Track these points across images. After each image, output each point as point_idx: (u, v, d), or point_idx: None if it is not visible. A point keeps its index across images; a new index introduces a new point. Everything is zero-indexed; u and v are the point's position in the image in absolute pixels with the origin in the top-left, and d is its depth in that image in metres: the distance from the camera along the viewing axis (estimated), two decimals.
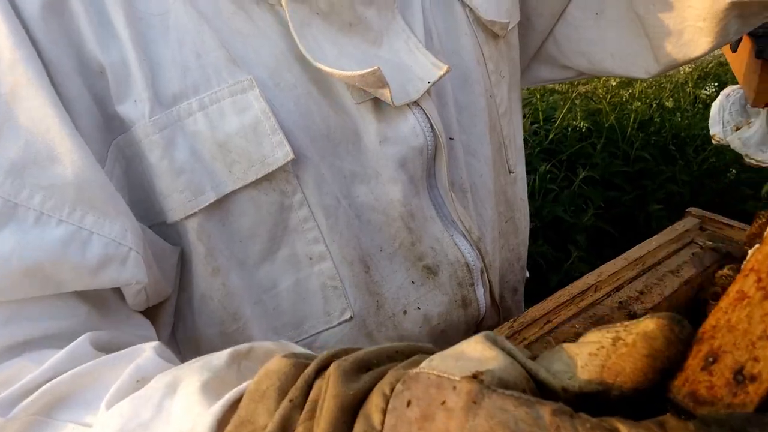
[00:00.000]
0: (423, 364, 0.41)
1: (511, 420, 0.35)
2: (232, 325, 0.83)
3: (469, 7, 0.99)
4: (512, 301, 1.12)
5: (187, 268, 0.81)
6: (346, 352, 0.47)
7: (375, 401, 0.39)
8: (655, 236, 1.13)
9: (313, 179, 0.83)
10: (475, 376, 0.38)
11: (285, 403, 0.43)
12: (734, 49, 1.69)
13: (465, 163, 0.99)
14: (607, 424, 0.35)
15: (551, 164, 3.97)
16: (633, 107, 4.64)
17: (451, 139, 0.96)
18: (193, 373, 0.52)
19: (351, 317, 0.89)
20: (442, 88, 0.94)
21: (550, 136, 4.24)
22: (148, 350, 0.62)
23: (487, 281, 1.02)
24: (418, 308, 0.95)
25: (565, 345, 0.43)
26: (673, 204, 4.08)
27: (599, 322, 0.91)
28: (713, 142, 1.86)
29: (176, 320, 0.85)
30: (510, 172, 1.11)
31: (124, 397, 0.55)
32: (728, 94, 1.87)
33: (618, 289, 0.99)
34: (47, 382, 0.60)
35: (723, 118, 1.83)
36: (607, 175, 4.16)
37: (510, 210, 1.12)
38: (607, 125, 4.39)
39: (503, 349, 0.41)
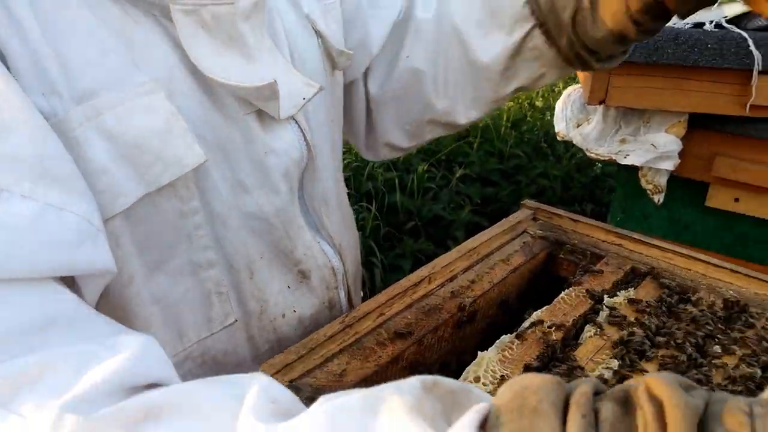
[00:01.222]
0: None
1: None
2: None
3: (322, 37, 1.06)
4: (358, 301, 1.16)
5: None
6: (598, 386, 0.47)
7: (736, 418, 0.40)
8: (490, 228, 1.21)
9: (207, 187, 0.85)
10: None
11: (578, 419, 0.42)
12: None
13: (325, 175, 1.05)
14: None
15: (429, 164, 4.10)
16: (506, 107, 4.86)
17: (315, 153, 1.01)
18: (390, 395, 0.49)
19: (235, 321, 0.92)
20: (305, 107, 0.99)
21: None
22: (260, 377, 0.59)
23: (346, 284, 1.08)
24: (294, 311, 0.99)
25: None
26: (546, 198, 4.31)
27: (431, 312, 0.96)
28: (558, 138, 2.00)
29: None
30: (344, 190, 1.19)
31: (262, 415, 0.53)
32: (570, 94, 2.01)
33: (451, 279, 1.05)
34: (122, 383, 0.58)
35: (566, 116, 1.97)
36: (483, 173, 4.33)
37: (350, 219, 1.19)
38: (482, 125, 4.59)
39: None
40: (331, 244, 1.05)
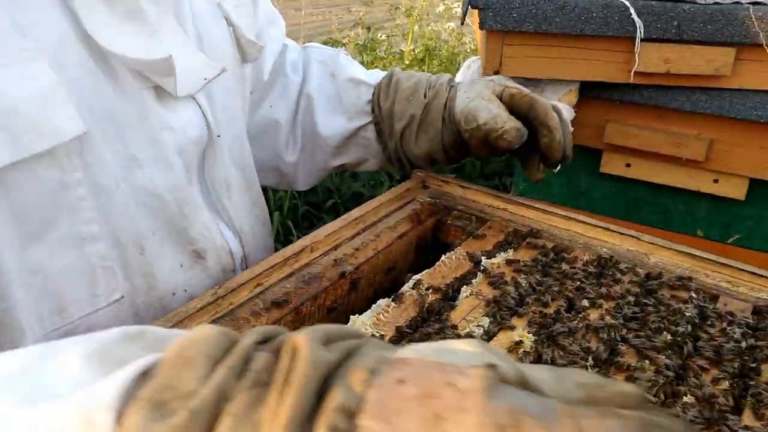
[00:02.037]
0: (408, 352, 0.42)
1: (530, 406, 0.36)
2: (0, 304, 0.78)
3: (234, 26, 1.09)
4: None
5: None
6: (278, 332, 0.46)
7: (358, 375, 0.39)
8: (378, 197, 1.22)
9: (94, 159, 0.83)
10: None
11: (223, 369, 0.41)
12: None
13: (228, 159, 1.07)
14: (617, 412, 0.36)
15: None
16: None
17: (218, 135, 1.03)
18: (75, 344, 0.47)
19: (121, 297, 0.90)
20: (210, 89, 1.00)
21: None
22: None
23: (245, 269, 1.08)
24: (186, 291, 0.99)
25: None
26: (466, 173, 4.38)
27: (311, 280, 0.96)
28: None
29: None
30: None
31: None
32: (469, 65, 2.04)
33: (335, 248, 1.05)
34: None
35: None
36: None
37: (260, 208, 1.21)
38: None
39: (493, 352, 0.42)
40: (231, 227, 1.07)
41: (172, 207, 0.94)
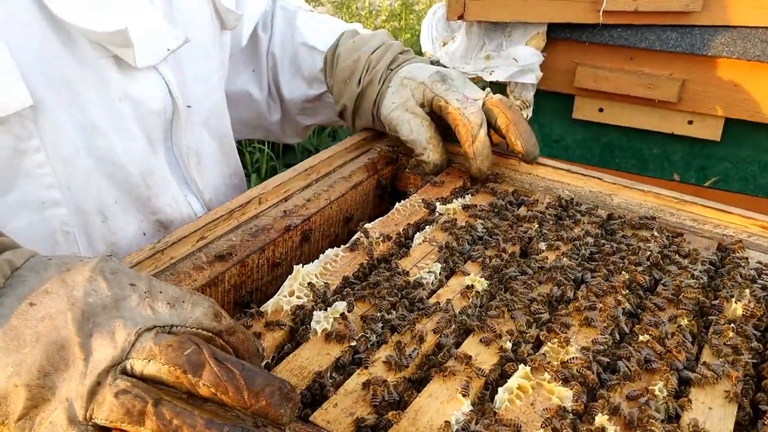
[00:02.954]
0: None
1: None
2: None
3: None
4: None
5: None
6: None
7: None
8: (332, 146, 1.17)
9: (50, 125, 0.83)
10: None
11: None
12: None
13: (199, 130, 1.05)
14: None
15: None
16: (402, 40, 4.80)
17: (188, 106, 1.01)
18: None
19: None
20: (181, 58, 0.98)
21: None
22: None
23: None
24: None
25: None
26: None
27: (258, 233, 0.92)
28: (425, 57, 1.97)
29: None
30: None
31: None
32: (435, 11, 1.98)
33: (286, 199, 1.01)
34: None
35: (431, 35, 1.94)
36: None
37: (238, 178, 1.20)
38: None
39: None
40: (200, 198, 1.05)
41: (136, 178, 0.93)
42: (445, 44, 1.91)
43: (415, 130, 1.11)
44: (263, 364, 0.71)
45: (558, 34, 1.81)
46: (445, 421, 0.63)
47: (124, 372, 0.52)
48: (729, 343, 0.77)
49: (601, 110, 1.90)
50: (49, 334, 0.52)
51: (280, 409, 0.52)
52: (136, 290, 0.57)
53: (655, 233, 0.98)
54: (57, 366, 0.52)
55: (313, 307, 0.78)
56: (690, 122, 1.81)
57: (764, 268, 0.92)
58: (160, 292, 0.58)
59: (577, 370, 0.71)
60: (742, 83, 1.70)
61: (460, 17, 1.72)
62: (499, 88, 1.97)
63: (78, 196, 0.88)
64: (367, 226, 0.97)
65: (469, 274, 0.86)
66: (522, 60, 1.78)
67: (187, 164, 1.02)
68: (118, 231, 0.94)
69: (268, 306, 0.78)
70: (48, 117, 0.82)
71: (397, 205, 1.03)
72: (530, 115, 1.93)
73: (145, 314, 0.55)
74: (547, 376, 0.70)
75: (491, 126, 1.11)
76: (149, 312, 0.55)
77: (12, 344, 0.52)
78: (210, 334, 0.57)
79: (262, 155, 3.38)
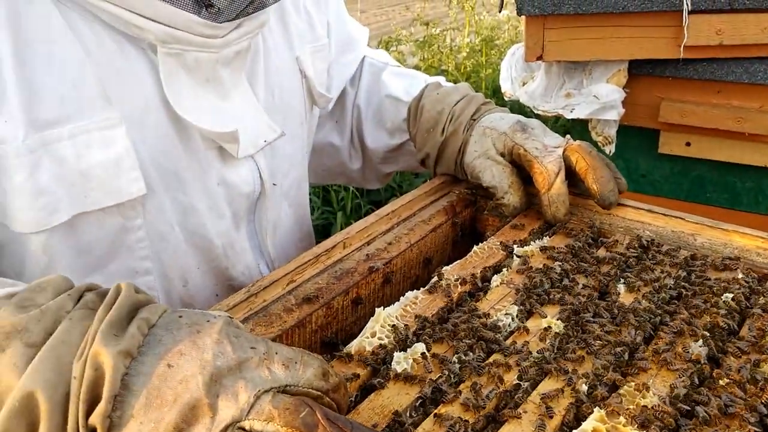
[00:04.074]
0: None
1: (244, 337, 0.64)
2: None
3: (306, 77, 1.21)
4: None
5: (19, 271, 0.88)
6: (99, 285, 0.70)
7: (156, 306, 0.66)
8: (412, 191, 1.22)
9: (154, 208, 0.96)
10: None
11: (65, 295, 0.65)
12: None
13: (280, 202, 1.17)
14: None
15: None
16: (484, 74, 4.85)
17: (274, 184, 1.13)
18: None
19: None
20: (274, 145, 1.10)
21: None
22: None
23: None
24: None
25: None
26: None
27: (344, 275, 0.98)
28: (505, 98, 2.00)
29: None
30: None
31: None
32: (514, 52, 2.01)
33: (369, 243, 1.07)
34: None
35: (511, 75, 1.97)
36: None
37: (308, 239, 1.30)
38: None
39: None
40: (270, 266, 1.17)
41: (218, 250, 1.05)
42: (524, 84, 1.94)
43: (497, 177, 1.15)
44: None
45: (640, 69, 1.80)
46: None
47: (243, 430, 0.59)
48: None
49: (688, 144, 1.87)
50: (183, 395, 0.59)
51: None
52: (256, 353, 0.63)
53: (740, 274, 0.97)
54: (189, 422, 0.59)
55: (393, 347, 0.82)
56: None
57: None
58: (276, 354, 0.64)
59: (653, 414, 0.71)
60: None
61: (539, 58, 1.75)
62: (581, 124, 1.98)
63: (166, 265, 1.00)
64: (445, 269, 1.01)
65: (546, 317, 0.88)
66: (603, 97, 1.78)
67: (265, 237, 1.14)
68: (195, 294, 1.06)
69: (352, 347, 0.83)
70: (154, 201, 0.95)
71: (475, 248, 1.07)
72: (613, 150, 1.92)
73: (264, 375, 0.62)
74: (622, 419, 0.71)
75: (572, 172, 1.13)
76: (267, 373, 0.62)
77: (155, 402, 0.59)
78: (319, 393, 0.64)
79: (347, 194, 3.49)
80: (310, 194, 3.35)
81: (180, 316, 0.65)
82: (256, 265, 1.14)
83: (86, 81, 0.85)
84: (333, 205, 3.41)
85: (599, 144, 1.91)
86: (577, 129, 2.04)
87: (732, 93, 1.74)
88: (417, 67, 4.90)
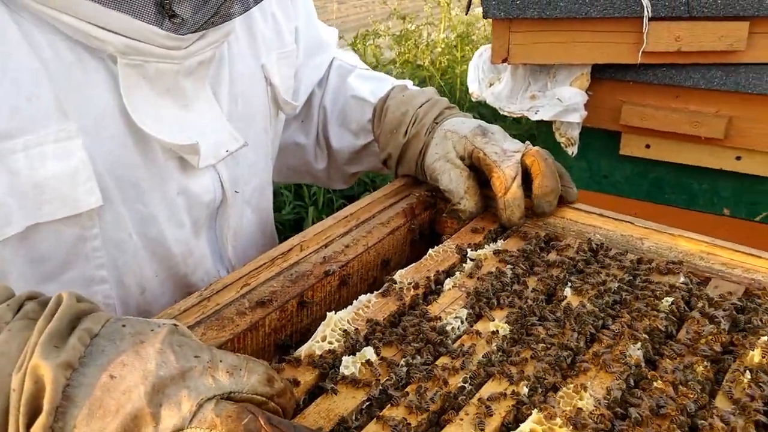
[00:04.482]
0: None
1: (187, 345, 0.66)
2: None
3: (272, 85, 1.21)
4: None
5: None
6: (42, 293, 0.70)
7: (98, 315, 0.67)
8: (372, 193, 1.24)
9: (111, 218, 0.96)
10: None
11: (2, 306, 0.66)
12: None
13: (242, 208, 1.18)
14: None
15: None
16: (460, 69, 4.87)
17: (236, 192, 1.14)
18: None
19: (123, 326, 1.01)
20: (236, 154, 1.10)
21: None
22: None
23: None
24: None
25: None
26: None
27: (299, 279, 1.00)
28: (473, 99, 2.03)
29: None
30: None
31: None
32: (481, 53, 2.04)
33: (326, 246, 1.09)
34: None
35: (478, 76, 2.00)
36: None
37: (269, 244, 1.31)
38: (437, 89, 4.59)
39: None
40: (231, 271, 1.16)
41: (177, 258, 1.06)
42: (491, 85, 1.97)
43: (454, 180, 1.18)
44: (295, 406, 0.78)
45: (603, 73, 1.84)
46: None
47: None
48: (742, 390, 0.79)
49: (648, 146, 1.92)
50: (126, 405, 0.61)
51: None
52: (200, 361, 0.65)
53: (682, 278, 1.01)
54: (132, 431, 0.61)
55: (343, 351, 0.84)
56: (738, 158, 1.80)
57: None
58: (221, 362, 0.66)
59: (587, 416, 0.74)
60: None
61: (504, 60, 1.78)
62: (545, 126, 2.02)
63: (123, 273, 1.00)
64: (399, 272, 1.03)
65: (493, 320, 0.91)
66: (566, 100, 1.82)
67: (225, 243, 1.15)
68: (153, 301, 1.07)
69: (302, 351, 0.85)
70: (112, 211, 0.95)
71: (430, 251, 1.09)
72: (576, 152, 1.96)
73: (208, 384, 0.63)
74: (558, 420, 0.74)
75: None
76: (211, 381, 0.64)
77: (98, 413, 0.61)
78: (263, 398, 0.66)
79: (319, 189, 3.50)
80: (281, 188, 3.36)
81: (123, 326, 0.66)
82: (216, 271, 1.15)
83: (41, 93, 0.85)
84: (305, 200, 3.42)
85: (562, 145, 1.95)
86: (543, 130, 2.07)
87: (690, 98, 1.78)
88: (393, 61, 4.91)
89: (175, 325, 0.69)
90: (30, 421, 0.60)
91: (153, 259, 1.04)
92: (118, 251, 0.98)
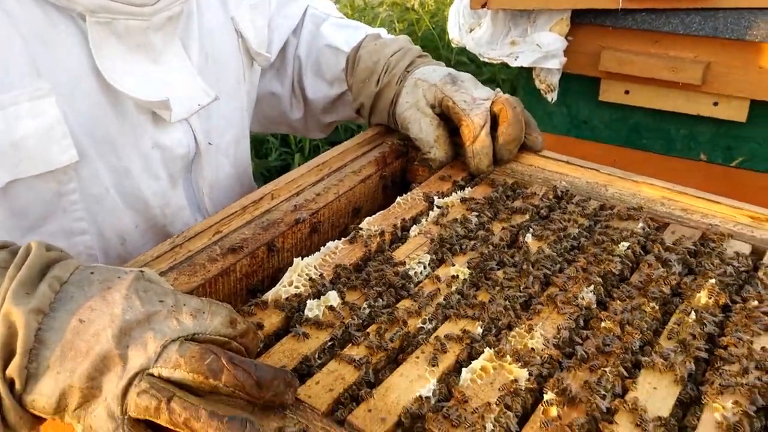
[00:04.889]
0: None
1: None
2: None
3: (243, 37, 1.22)
4: None
5: None
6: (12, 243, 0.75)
7: (68, 262, 0.71)
8: (344, 143, 1.27)
9: (88, 173, 1.00)
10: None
11: None
12: None
13: (216, 160, 1.21)
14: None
15: None
16: (447, 14, 4.78)
17: (209, 144, 1.17)
18: None
19: None
20: (209, 107, 1.12)
21: None
22: None
23: None
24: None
25: None
26: None
27: (270, 226, 1.03)
28: (453, 45, 2.03)
29: None
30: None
31: None
32: None
33: (297, 194, 1.12)
34: None
35: (459, 21, 1.99)
36: None
37: (249, 191, 1.33)
38: (421, 35, 4.54)
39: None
40: (206, 216, 1.20)
41: (155, 209, 1.10)
42: (471, 30, 1.96)
43: (424, 129, 1.20)
44: (261, 346, 0.83)
45: (582, 19, 1.84)
46: (418, 395, 0.73)
47: (152, 376, 0.64)
48: (686, 329, 0.83)
49: (627, 92, 1.93)
50: (95, 347, 0.65)
51: (284, 396, 0.67)
52: (164, 305, 0.68)
53: (641, 224, 1.04)
54: (101, 371, 0.65)
55: (308, 296, 0.88)
56: (715, 104, 1.82)
57: (738, 257, 0.97)
58: (184, 305, 0.69)
59: (536, 354, 0.79)
60: (767, 66, 1.70)
61: (484, 5, 1.77)
62: (527, 72, 2.02)
63: (103, 225, 1.05)
64: (367, 219, 1.06)
65: (454, 265, 0.95)
66: (545, 46, 1.82)
67: (202, 194, 1.18)
68: (134, 251, 1.10)
69: (269, 295, 0.89)
70: (87, 166, 0.98)
71: (398, 198, 1.12)
72: (555, 98, 1.97)
73: (172, 326, 0.67)
74: (508, 358, 0.78)
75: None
76: (175, 324, 0.67)
77: (69, 354, 0.65)
78: (226, 339, 0.69)
79: (291, 158, 3.50)
80: (267, 136, 3.35)
81: (92, 273, 0.70)
82: (195, 220, 1.18)
83: (13, 53, 0.87)
84: (291, 146, 3.43)
85: (542, 91, 1.96)
86: (524, 77, 2.08)
87: (669, 44, 1.79)
88: (381, 3, 4.82)
89: (141, 271, 0.72)
90: (5, 363, 0.64)
91: (131, 211, 1.07)
92: (97, 204, 1.02)
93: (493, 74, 4.29)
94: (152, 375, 0.65)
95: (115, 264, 1.05)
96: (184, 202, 1.16)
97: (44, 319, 0.65)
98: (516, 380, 0.76)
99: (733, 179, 1.92)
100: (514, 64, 1.89)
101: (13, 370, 0.64)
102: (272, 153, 3.34)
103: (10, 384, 0.65)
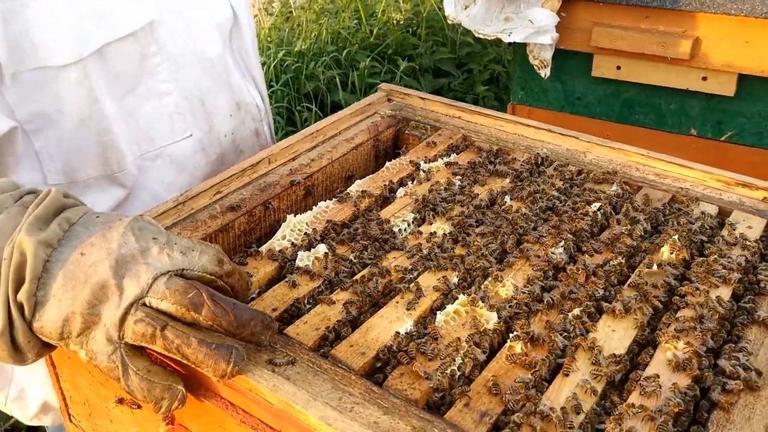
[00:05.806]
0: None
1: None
2: (104, 136, 1.10)
3: None
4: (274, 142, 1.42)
5: (59, 107, 1.05)
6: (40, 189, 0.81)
7: (81, 207, 0.80)
8: (339, 112, 1.33)
9: (166, 34, 1.16)
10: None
11: (6, 195, 0.78)
12: None
13: (244, 35, 1.34)
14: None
15: (373, 59, 4.14)
16: None
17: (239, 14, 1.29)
18: None
19: (191, 134, 1.21)
20: None
21: (374, 31, 4.39)
22: None
23: (269, 120, 1.40)
24: (232, 134, 1.31)
25: None
26: (501, 83, 4.38)
27: (267, 188, 1.11)
28: (448, 21, 2.08)
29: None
30: None
31: None
32: None
33: (293, 159, 1.19)
34: None
35: None
36: (433, 64, 4.37)
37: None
38: (425, 14, 4.58)
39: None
40: (255, 87, 1.36)
41: (218, 68, 1.25)
42: (466, 7, 2.01)
43: None
44: (256, 292, 0.90)
45: None
46: (396, 332, 0.81)
47: (145, 305, 0.71)
48: (647, 280, 0.90)
49: (619, 68, 1.97)
50: (93, 277, 0.72)
51: (261, 336, 0.74)
52: (157, 242, 0.75)
53: (614, 186, 1.11)
54: (100, 299, 0.72)
55: (299, 248, 0.96)
56: (704, 78, 1.87)
57: (704, 217, 1.03)
58: (175, 244, 0.76)
59: (507, 300, 0.86)
60: (754, 40, 1.74)
61: None
62: (521, 48, 2.07)
63: (184, 87, 1.20)
64: (357, 182, 1.14)
65: (436, 222, 1.02)
66: (537, 22, 1.87)
67: (244, 59, 1.34)
68: (213, 111, 1.25)
69: (264, 247, 0.97)
70: (164, 28, 1.14)
71: (387, 164, 1.19)
72: (548, 74, 2.02)
73: (163, 261, 0.74)
74: (481, 304, 0.86)
75: None
76: (166, 259, 0.74)
77: (70, 283, 0.72)
78: (213, 277, 0.76)
79: (310, 114, 3.57)
80: (274, 115, 3.43)
81: (97, 217, 0.77)
82: (245, 84, 1.32)
83: None
84: (297, 126, 3.50)
85: (536, 67, 2.01)
86: (519, 53, 2.13)
87: (658, 18, 1.83)
88: None
89: (141, 215, 0.79)
90: (17, 287, 0.72)
91: (203, 71, 1.22)
92: (176, 65, 1.17)
93: (498, 54, 4.33)
94: (145, 305, 0.71)
95: (201, 123, 1.23)
96: (232, 65, 1.29)
97: (52, 252, 0.73)
98: (486, 321, 0.83)
99: (723, 153, 1.97)
100: (507, 39, 1.94)
101: (22, 295, 0.71)
102: (278, 132, 3.42)
103: (21, 309, 0.72)
